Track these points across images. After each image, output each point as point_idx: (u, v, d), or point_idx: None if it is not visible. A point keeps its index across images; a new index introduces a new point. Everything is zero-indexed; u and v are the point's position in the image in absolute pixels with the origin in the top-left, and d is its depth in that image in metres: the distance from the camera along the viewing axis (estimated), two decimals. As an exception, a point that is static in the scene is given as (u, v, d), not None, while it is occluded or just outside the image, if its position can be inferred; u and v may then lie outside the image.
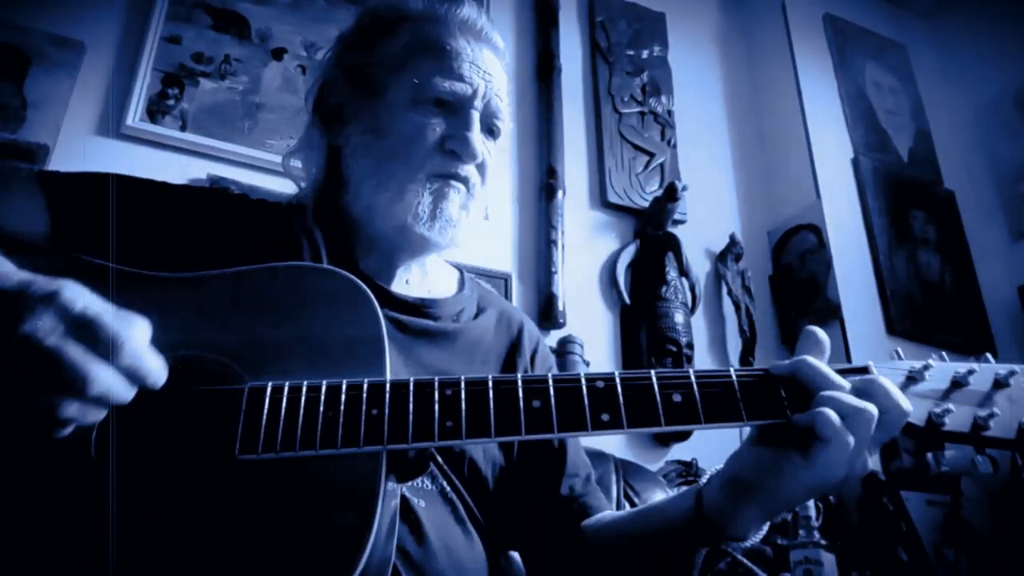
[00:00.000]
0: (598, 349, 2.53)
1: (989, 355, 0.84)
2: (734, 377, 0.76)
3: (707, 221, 2.93)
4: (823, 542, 1.93)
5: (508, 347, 1.12)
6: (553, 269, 2.52)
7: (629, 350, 2.59)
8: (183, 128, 2.29)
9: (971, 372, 0.80)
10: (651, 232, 2.73)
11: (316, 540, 0.67)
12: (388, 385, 0.74)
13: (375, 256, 1.06)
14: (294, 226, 1.03)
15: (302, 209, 1.07)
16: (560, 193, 2.67)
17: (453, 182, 1.01)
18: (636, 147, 2.95)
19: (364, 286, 0.83)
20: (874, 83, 3.37)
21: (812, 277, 2.82)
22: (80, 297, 0.63)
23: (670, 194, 2.67)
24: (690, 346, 2.56)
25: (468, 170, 1.02)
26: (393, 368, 0.82)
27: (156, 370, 0.66)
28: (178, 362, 0.73)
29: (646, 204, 2.80)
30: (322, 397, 0.73)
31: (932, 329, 2.84)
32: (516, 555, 1.12)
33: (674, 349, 2.51)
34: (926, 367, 0.80)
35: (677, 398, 0.75)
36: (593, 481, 1.10)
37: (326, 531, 0.67)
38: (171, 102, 2.30)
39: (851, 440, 0.71)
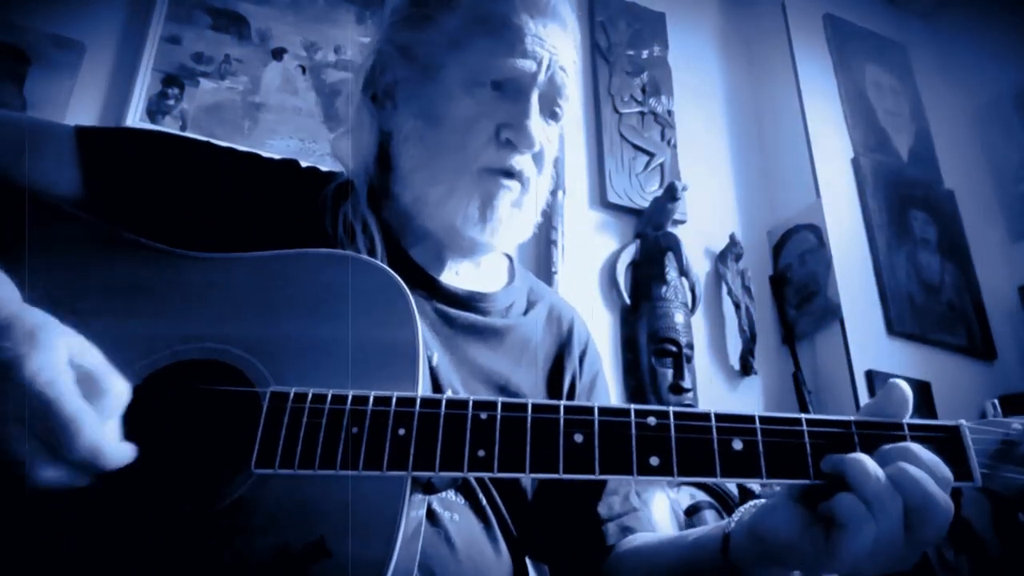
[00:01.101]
0: (598, 349, 2.53)
1: None
2: (805, 426, 0.67)
3: (707, 221, 2.93)
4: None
5: (557, 347, 1.07)
6: (553, 269, 2.52)
7: (629, 350, 2.59)
8: (183, 128, 2.29)
9: None
10: (651, 232, 2.73)
11: (330, 571, 0.63)
12: (418, 402, 0.69)
13: (425, 246, 1.01)
14: (346, 207, 0.97)
15: (351, 190, 1.00)
16: (560, 193, 2.67)
17: (504, 180, 0.94)
18: (636, 147, 2.95)
19: (404, 286, 0.77)
20: (874, 83, 3.37)
21: (812, 277, 2.81)
22: (44, 371, 0.59)
23: (670, 194, 2.67)
24: (690, 346, 2.56)
25: (523, 162, 0.95)
26: (438, 366, 0.79)
27: (114, 458, 0.62)
28: (196, 355, 0.71)
29: (646, 204, 2.80)
30: (347, 410, 0.68)
31: (932, 329, 2.84)
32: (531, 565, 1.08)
33: (674, 349, 2.51)
34: None
35: (737, 446, 0.66)
36: (633, 499, 1.05)
37: (341, 559, 0.63)
38: (171, 102, 2.30)
39: (875, 531, 0.62)
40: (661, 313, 2.57)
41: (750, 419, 0.68)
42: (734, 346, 2.76)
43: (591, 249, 2.72)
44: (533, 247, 2.61)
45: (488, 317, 1.01)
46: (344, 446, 0.67)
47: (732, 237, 2.87)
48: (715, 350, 2.75)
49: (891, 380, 0.70)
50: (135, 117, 2.22)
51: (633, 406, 0.69)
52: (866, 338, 2.68)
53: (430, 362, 0.76)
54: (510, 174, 0.95)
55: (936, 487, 0.63)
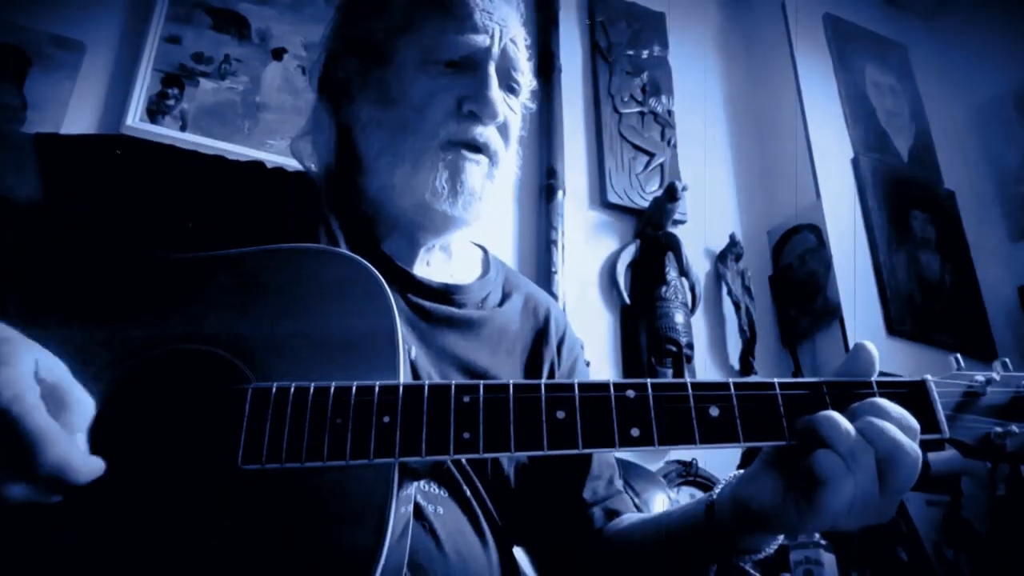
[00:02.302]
0: (598, 349, 2.53)
1: None
2: (778, 390, 0.70)
3: (707, 221, 2.93)
4: (823, 542, 1.93)
5: (534, 336, 1.07)
6: (553, 269, 2.52)
7: (629, 350, 2.59)
8: (183, 128, 2.28)
9: None
10: (651, 232, 2.73)
11: (324, 557, 0.63)
12: (401, 389, 0.69)
13: (396, 237, 1.00)
14: (307, 209, 0.97)
15: (314, 192, 1.00)
16: (560, 193, 2.67)
17: (469, 153, 0.94)
18: (636, 147, 2.95)
19: (379, 275, 0.77)
20: (874, 83, 3.37)
21: (812, 277, 2.81)
22: (9, 386, 0.58)
23: (670, 194, 2.67)
24: (690, 346, 2.56)
25: (488, 134, 0.95)
26: (415, 359, 0.79)
27: (80, 472, 0.61)
28: (178, 356, 0.71)
29: (646, 204, 2.80)
30: (330, 401, 0.68)
31: (932, 329, 2.84)
32: (519, 552, 1.08)
33: (674, 349, 2.51)
34: (989, 381, 0.72)
35: (714, 412, 0.69)
36: (617, 482, 1.06)
37: (334, 547, 0.64)
38: (171, 102, 2.30)
39: (855, 483, 0.65)
40: (661, 313, 2.57)
41: (725, 386, 0.70)
42: (734, 346, 2.76)
43: (591, 249, 2.72)
44: (533, 247, 2.61)
45: (464, 309, 1.01)
46: (330, 437, 0.67)
47: (732, 237, 2.87)
48: (715, 350, 2.75)
49: (858, 342, 0.74)
50: (135, 117, 2.22)
51: (612, 380, 0.70)
52: (866, 338, 2.65)
53: (408, 355, 0.76)
54: (475, 147, 0.94)
55: (904, 436, 0.66)
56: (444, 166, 0.93)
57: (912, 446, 0.66)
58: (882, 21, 3.58)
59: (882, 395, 0.70)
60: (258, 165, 1.05)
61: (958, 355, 0.77)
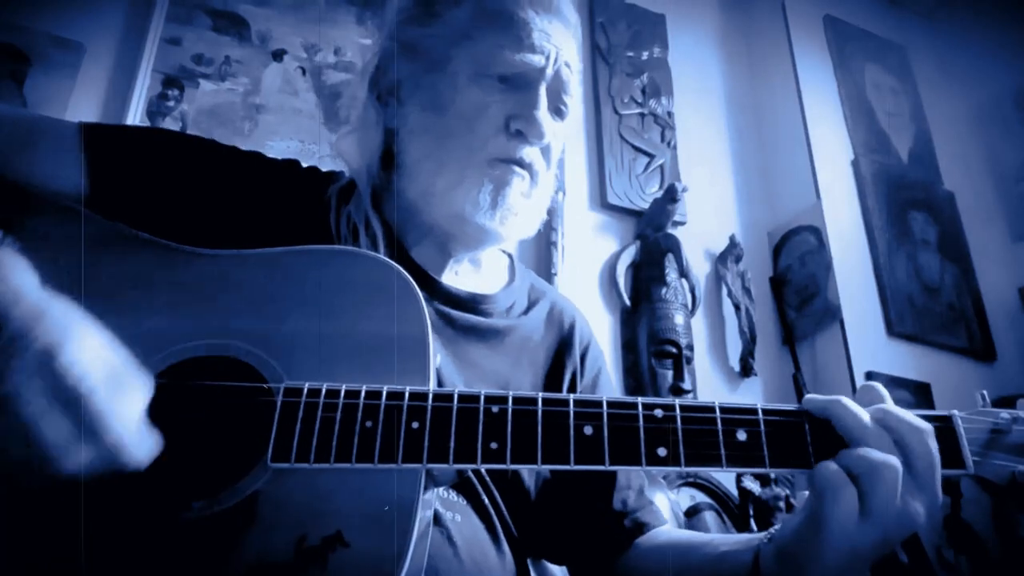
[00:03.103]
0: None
1: None
2: (806, 417, 0.70)
3: (707, 222, 2.93)
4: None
5: (558, 346, 1.06)
6: (553, 270, 2.52)
7: (629, 351, 2.59)
8: (183, 129, 2.29)
9: None
10: (651, 233, 2.73)
11: (347, 562, 0.64)
12: (431, 396, 0.69)
13: (427, 244, 1.00)
14: (348, 207, 0.97)
15: (355, 190, 1.00)
16: (560, 194, 2.67)
17: (516, 168, 0.94)
18: (636, 148, 2.95)
19: (413, 282, 0.77)
20: (874, 84, 3.37)
21: (812, 278, 2.81)
22: (76, 363, 0.60)
23: (670, 195, 2.67)
24: (690, 347, 2.56)
25: (533, 154, 0.95)
26: (440, 367, 0.78)
27: (140, 452, 0.63)
28: (207, 351, 0.71)
29: (646, 205, 2.80)
30: (360, 404, 0.69)
31: (932, 330, 2.84)
32: (552, 568, 1.07)
33: (674, 351, 2.51)
34: (1015, 419, 0.71)
35: (742, 436, 0.69)
36: (646, 493, 1.05)
37: (358, 550, 0.64)
38: (171, 104, 2.30)
39: (866, 500, 0.65)
40: (661, 314, 2.57)
41: (753, 411, 0.70)
42: (734, 347, 2.76)
43: (591, 250, 2.72)
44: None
45: (490, 318, 1.01)
46: (359, 440, 0.67)
47: (732, 238, 2.87)
48: (715, 351, 2.75)
49: (864, 384, 0.74)
50: (135, 118, 2.22)
51: (640, 399, 0.70)
52: (866, 339, 2.68)
53: (434, 363, 0.76)
54: (520, 164, 0.94)
55: (916, 418, 0.68)
56: (489, 180, 0.93)
57: (927, 426, 0.67)
58: (882, 21, 3.58)
59: None
60: (294, 164, 1.05)
61: (984, 392, 0.76)
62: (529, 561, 1.03)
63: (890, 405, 0.70)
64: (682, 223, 2.85)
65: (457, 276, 1.03)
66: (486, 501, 0.91)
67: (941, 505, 0.68)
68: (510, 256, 1.16)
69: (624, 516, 1.00)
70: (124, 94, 2.25)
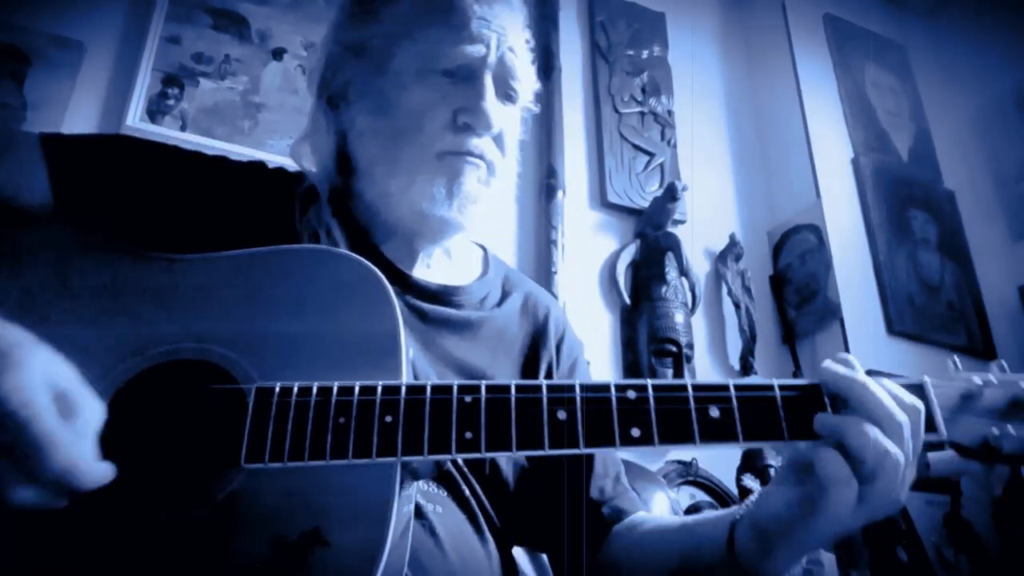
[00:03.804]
0: (598, 349, 2.53)
1: None
2: (777, 391, 0.70)
3: (707, 221, 2.93)
4: (823, 542, 1.92)
5: (532, 336, 1.07)
6: (553, 269, 2.52)
7: (629, 350, 2.59)
8: (183, 128, 2.29)
9: None
10: (651, 232, 2.73)
11: (327, 555, 0.64)
12: (403, 389, 0.69)
13: (395, 241, 1.00)
14: (310, 213, 0.97)
15: (316, 196, 1.00)
16: (560, 193, 2.67)
17: (468, 157, 0.94)
18: (636, 147, 2.95)
19: (382, 276, 0.77)
20: (874, 83, 3.37)
21: (812, 277, 2.81)
22: (19, 390, 0.58)
23: (670, 194, 2.67)
24: (690, 346, 2.56)
25: (483, 145, 0.95)
26: (413, 360, 0.79)
27: (90, 477, 0.61)
28: (180, 355, 0.71)
29: (646, 204, 2.80)
30: (333, 401, 0.68)
31: (932, 329, 2.84)
32: (519, 552, 1.08)
33: (674, 349, 2.51)
34: (986, 384, 0.73)
35: (714, 413, 0.69)
36: (624, 481, 1.05)
37: (337, 544, 0.64)
38: (171, 102, 2.30)
39: (864, 487, 0.65)
40: (661, 313, 2.57)
41: (724, 387, 0.70)
42: (734, 346, 2.76)
43: (591, 249, 2.72)
44: (533, 247, 2.61)
45: (462, 310, 1.01)
46: (332, 436, 0.67)
47: (732, 237, 2.87)
48: (715, 350, 2.75)
49: (840, 355, 0.73)
50: (135, 117, 2.22)
51: (613, 381, 0.70)
52: (866, 338, 2.68)
53: (407, 357, 0.76)
54: (471, 154, 0.95)
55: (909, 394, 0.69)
56: (442, 173, 0.93)
57: (914, 401, 0.69)
58: (882, 21, 3.58)
59: None
60: (259, 165, 1.05)
61: (955, 357, 0.77)
62: (525, 550, 1.04)
63: (889, 383, 0.70)
64: (682, 222, 2.85)
65: (429, 269, 1.03)
66: (467, 492, 0.91)
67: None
68: (484, 248, 1.16)
69: (602, 504, 1.00)
70: (124, 93, 2.25)
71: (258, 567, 0.64)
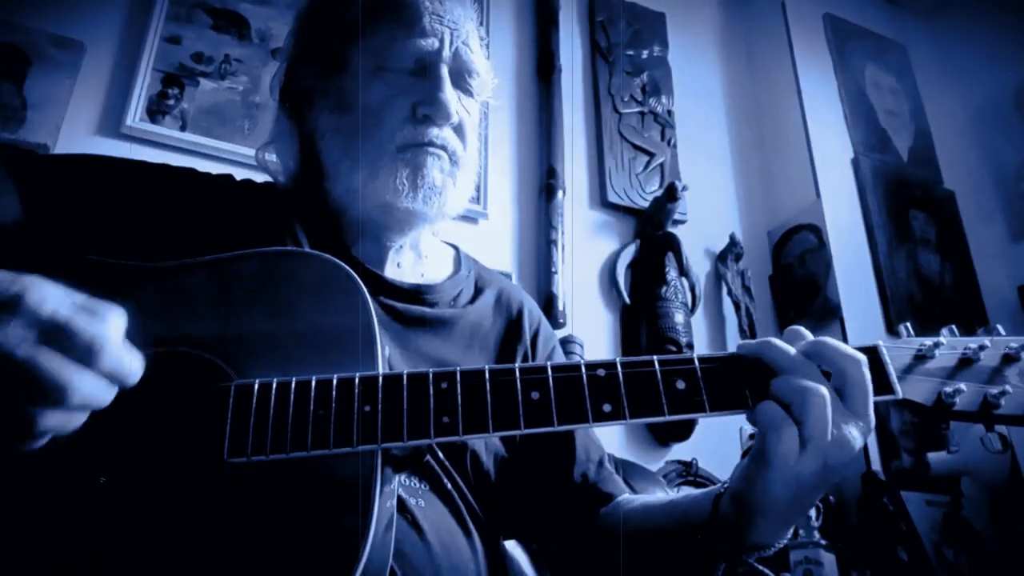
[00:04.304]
0: (598, 349, 2.53)
1: (1000, 327, 0.81)
2: (740, 363, 0.74)
3: (707, 221, 2.93)
4: (823, 542, 1.93)
5: (506, 330, 1.08)
6: (553, 269, 2.52)
7: (629, 350, 2.59)
8: (183, 128, 2.29)
9: (982, 348, 0.77)
10: (651, 232, 2.73)
11: (311, 548, 0.64)
12: (381, 379, 0.71)
13: (365, 240, 1.02)
14: (275, 218, 0.98)
15: (281, 201, 1.01)
16: (560, 193, 2.67)
17: (429, 148, 0.95)
18: (636, 147, 2.95)
19: (353, 272, 0.79)
20: (874, 83, 3.37)
21: (812, 277, 2.82)
22: (47, 299, 0.60)
23: (670, 194, 2.67)
24: (690, 346, 2.56)
25: (444, 135, 0.96)
26: (390, 359, 0.80)
27: (135, 369, 0.64)
28: (161, 358, 0.71)
29: (646, 204, 2.81)
30: (312, 394, 0.70)
31: (932, 329, 2.83)
32: (509, 545, 1.09)
33: (674, 349, 2.51)
34: (936, 344, 0.77)
35: (681, 385, 0.72)
36: (607, 464, 1.06)
37: (321, 537, 0.65)
38: (171, 102, 2.30)
39: (801, 429, 0.69)
40: (661, 313, 2.57)
41: (689, 360, 0.74)
42: (734, 346, 2.74)
43: (591, 249, 2.72)
44: (533, 247, 2.61)
45: (435, 308, 1.02)
46: (313, 427, 0.68)
47: (732, 237, 2.87)
48: (715, 350, 2.74)
49: (789, 328, 0.79)
50: (135, 117, 2.22)
51: (583, 360, 0.74)
52: (866, 338, 2.66)
53: (383, 354, 0.78)
54: (432, 145, 0.96)
55: (848, 348, 0.73)
56: (404, 164, 0.94)
57: (862, 357, 0.72)
58: (882, 21, 3.58)
59: None
60: (227, 178, 1.07)
61: (908, 324, 0.82)
62: (518, 542, 1.05)
63: (823, 337, 0.75)
64: (682, 222, 2.85)
65: (400, 269, 1.05)
66: (448, 486, 0.92)
67: (872, 429, 0.72)
68: (456, 248, 1.17)
69: (586, 488, 1.02)
70: (124, 93, 2.25)
71: (244, 561, 0.64)
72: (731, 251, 2.85)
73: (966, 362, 0.76)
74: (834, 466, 0.70)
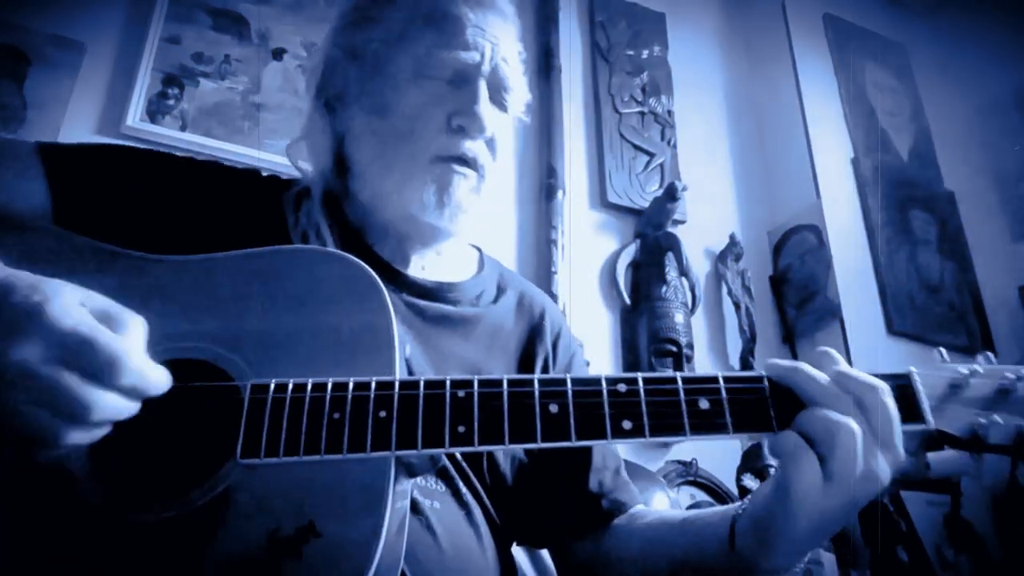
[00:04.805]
0: (598, 349, 2.53)
1: None
2: (766, 383, 0.72)
3: (707, 221, 2.93)
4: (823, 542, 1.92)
5: (528, 333, 1.08)
6: (553, 269, 2.52)
7: (629, 350, 2.59)
8: (183, 128, 2.29)
9: (1020, 379, 0.74)
10: (651, 232, 2.73)
11: (321, 551, 0.64)
12: (397, 385, 0.70)
13: (389, 241, 1.02)
14: (301, 212, 0.99)
15: (309, 197, 1.01)
16: (560, 193, 2.67)
17: (458, 167, 0.95)
18: (636, 147, 2.95)
19: (373, 273, 0.79)
20: (874, 83, 3.37)
21: (812, 277, 2.81)
22: (68, 311, 0.60)
23: (670, 194, 2.67)
24: (690, 346, 2.56)
25: (476, 148, 0.96)
26: (411, 356, 0.79)
27: (158, 381, 0.65)
28: (178, 354, 0.71)
29: (646, 204, 2.80)
30: (327, 397, 0.69)
31: (932, 329, 2.84)
32: (519, 551, 1.08)
33: (674, 349, 2.51)
34: (972, 373, 0.74)
35: (704, 405, 0.70)
36: (623, 474, 1.05)
37: (332, 540, 0.65)
38: (171, 102, 2.30)
39: (828, 464, 0.66)
40: (661, 313, 2.57)
41: (714, 379, 0.71)
42: (734, 346, 2.76)
43: (591, 249, 2.72)
44: (533, 247, 2.61)
45: (458, 306, 1.02)
46: (327, 431, 0.68)
47: (732, 237, 2.87)
48: (715, 350, 2.75)
49: (819, 348, 0.77)
50: (135, 117, 2.22)
51: (604, 375, 0.71)
52: (866, 338, 2.68)
53: (404, 353, 0.78)
54: (463, 160, 0.96)
55: (873, 378, 0.70)
56: (432, 179, 0.94)
57: (882, 385, 0.69)
58: (882, 21, 3.58)
59: None
60: (253, 173, 1.07)
61: (943, 349, 0.79)
62: (524, 548, 1.04)
63: (845, 367, 0.72)
64: (682, 222, 2.85)
65: (424, 270, 1.05)
66: (464, 489, 0.91)
67: (905, 461, 0.69)
68: (479, 249, 1.17)
69: (601, 497, 1.00)
70: (124, 93, 2.25)
71: (253, 559, 0.64)
72: (731, 251, 2.85)
73: (1003, 393, 0.73)
74: (861, 500, 0.68)
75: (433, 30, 0.97)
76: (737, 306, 2.79)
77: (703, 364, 2.64)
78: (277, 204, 1.00)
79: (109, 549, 0.66)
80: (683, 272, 2.69)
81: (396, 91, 0.96)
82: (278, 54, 2.51)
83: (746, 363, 2.68)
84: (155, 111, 2.27)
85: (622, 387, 0.71)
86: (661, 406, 0.70)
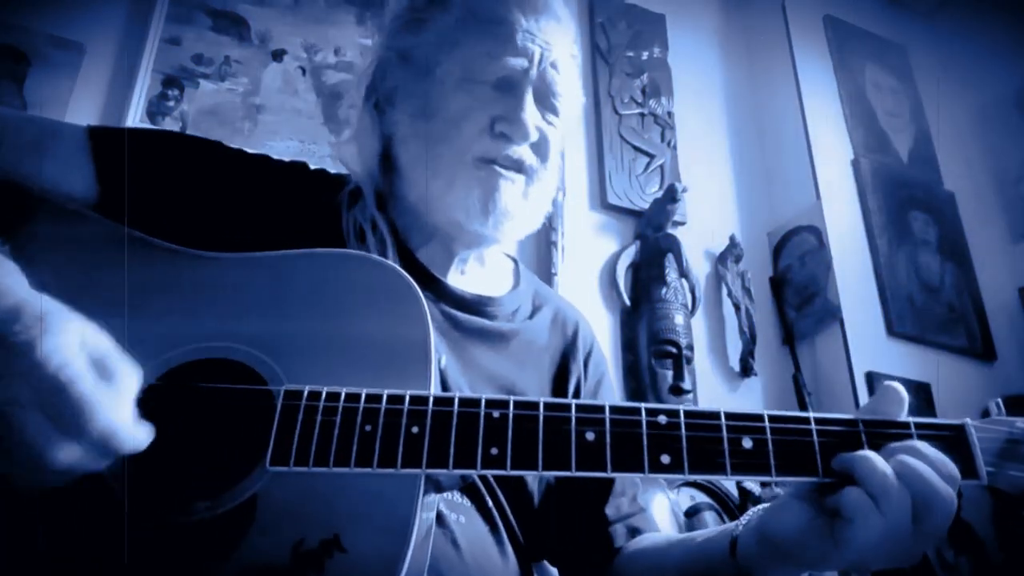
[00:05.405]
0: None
1: None
2: (813, 424, 0.68)
3: (707, 222, 2.93)
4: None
5: (562, 351, 1.08)
6: (553, 270, 2.52)
7: (629, 351, 2.59)
8: (183, 129, 2.28)
9: None
10: (651, 233, 2.73)
11: (344, 568, 0.63)
12: (431, 401, 0.69)
13: (432, 245, 1.02)
14: (355, 211, 0.99)
15: (360, 195, 1.01)
16: (560, 194, 2.67)
17: (503, 170, 0.95)
18: (636, 148, 2.94)
19: (414, 284, 0.78)
20: (874, 84, 3.36)
21: (812, 278, 2.81)
22: (58, 353, 0.59)
23: (670, 195, 2.67)
24: (690, 347, 2.56)
25: (521, 152, 0.96)
26: (445, 368, 0.78)
27: (134, 439, 0.62)
28: (211, 353, 0.71)
29: (646, 205, 2.80)
30: (360, 408, 0.68)
31: (932, 330, 2.84)
32: (552, 570, 1.07)
33: (674, 350, 2.51)
34: None
35: (747, 444, 0.67)
36: (640, 500, 1.06)
37: (357, 553, 0.64)
38: (171, 103, 2.30)
39: (882, 524, 0.63)
40: (661, 314, 2.57)
41: (759, 418, 0.69)
42: (734, 347, 2.76)
43: (591, 250, 2.72)
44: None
45: (495, 321, 1.02)
46: (358, 444, 0.67)
47: (732, 238, 2.87)
48: (715, 351, 2.74)
49: (886, 383, 0.72)
50: (135, 118, 2.22)
51: (644, 405, 0.69)
52: (866, 339, 2.68)
53: (439, 364, 0.77)
54: (508, 164, 0.95)
55: (939, 480, 0.64)
56: (477, 183, 0.94)
57: (948, 491, 0.65)
58: (882, 21, 3.58)
59: (920, 437, 0.69)
60: (302, 165, 1.07)
61: (999, 400, 0.75)
62: (548, 565, 1.04)
63: (913, 461, 0.66)
64: (682, 223, 2.85)
65: (463, 276, 1.05)
66: (490, 504, 0.91)
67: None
68: (515, 260, 1.17)
69: (618, 522, 1.01)
70: (124, 94, 2.25)
71: (275, 571, 0.64)
72: (731, 252, 2.85)
73: None
74: (900, 557, 0.67)
75: (483, 34, 0.96)
76: (737, 307, 2.79)
77: (703, 366, 2.64)
78: (328, 197, 1.00)
79: (131, 549, 0.65)
80: (683, 273, 2.68)
81: (442, 94, 0.96)
82: (278, 55, 2.51)
83: (746, 365, 2.68)
84: (155, 112, 2.27)
85: (662, 419, 0.68)
86: (703, 442, 0.67)
